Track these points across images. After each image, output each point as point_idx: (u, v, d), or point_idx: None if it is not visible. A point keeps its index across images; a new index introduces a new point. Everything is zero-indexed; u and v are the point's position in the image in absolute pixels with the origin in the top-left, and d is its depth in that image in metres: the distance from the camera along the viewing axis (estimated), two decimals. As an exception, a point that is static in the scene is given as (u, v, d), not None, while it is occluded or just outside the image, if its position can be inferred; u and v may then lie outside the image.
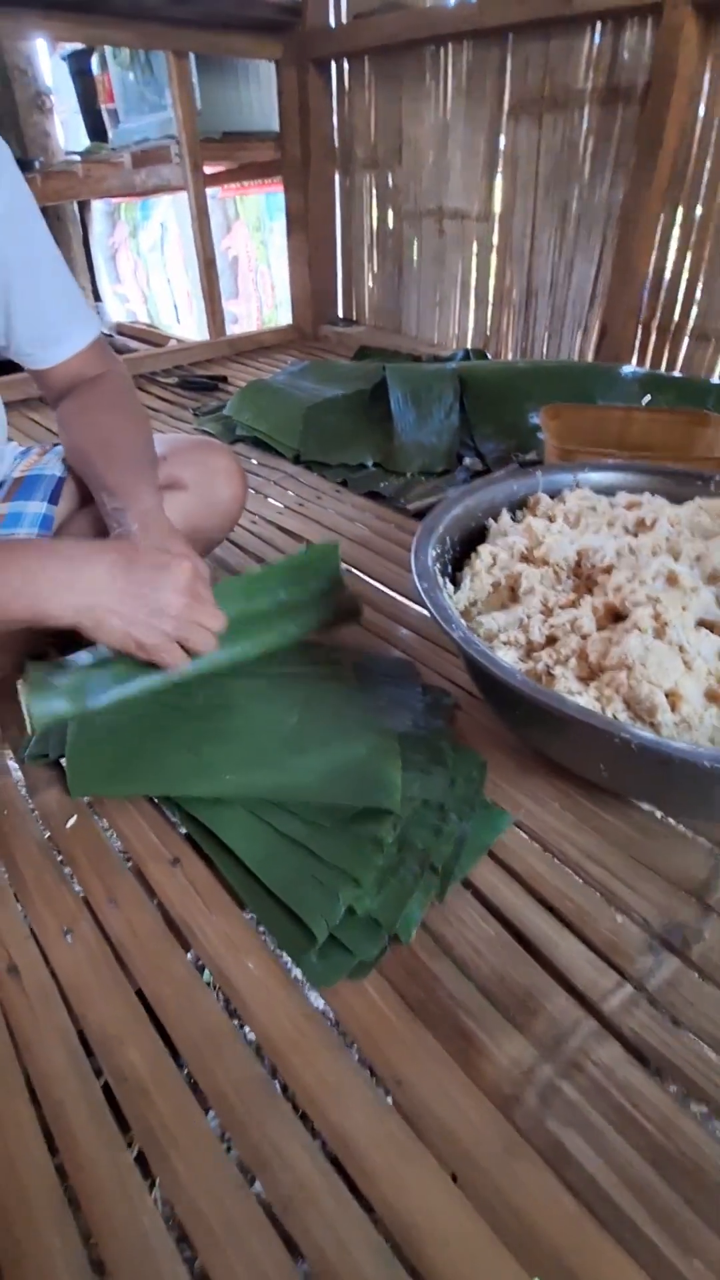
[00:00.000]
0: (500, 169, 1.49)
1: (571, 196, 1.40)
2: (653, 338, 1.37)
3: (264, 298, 2.67)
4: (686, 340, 1.33)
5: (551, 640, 0.60)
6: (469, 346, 1.69)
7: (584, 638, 0.58)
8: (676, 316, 1.32)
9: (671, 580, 0.59)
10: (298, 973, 0.47)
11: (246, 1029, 0.45)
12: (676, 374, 1.31)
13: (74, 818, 0.57)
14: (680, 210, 1.25)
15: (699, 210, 1.23)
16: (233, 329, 2.22)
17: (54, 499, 0.74)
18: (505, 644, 0.60)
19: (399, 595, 0.88)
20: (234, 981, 0.47)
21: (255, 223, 2.52)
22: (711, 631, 0.56)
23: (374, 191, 1.77)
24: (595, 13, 1.22)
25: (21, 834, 0.57)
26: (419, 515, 1.06)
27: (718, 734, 0.51)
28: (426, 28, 1.45)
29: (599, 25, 1.24)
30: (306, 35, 1.65)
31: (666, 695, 0.52)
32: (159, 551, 0.60)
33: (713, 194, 1.21)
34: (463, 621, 0.57)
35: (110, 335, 2.35)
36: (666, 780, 0.53)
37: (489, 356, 1.62)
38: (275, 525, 1.05)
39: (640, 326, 1.37)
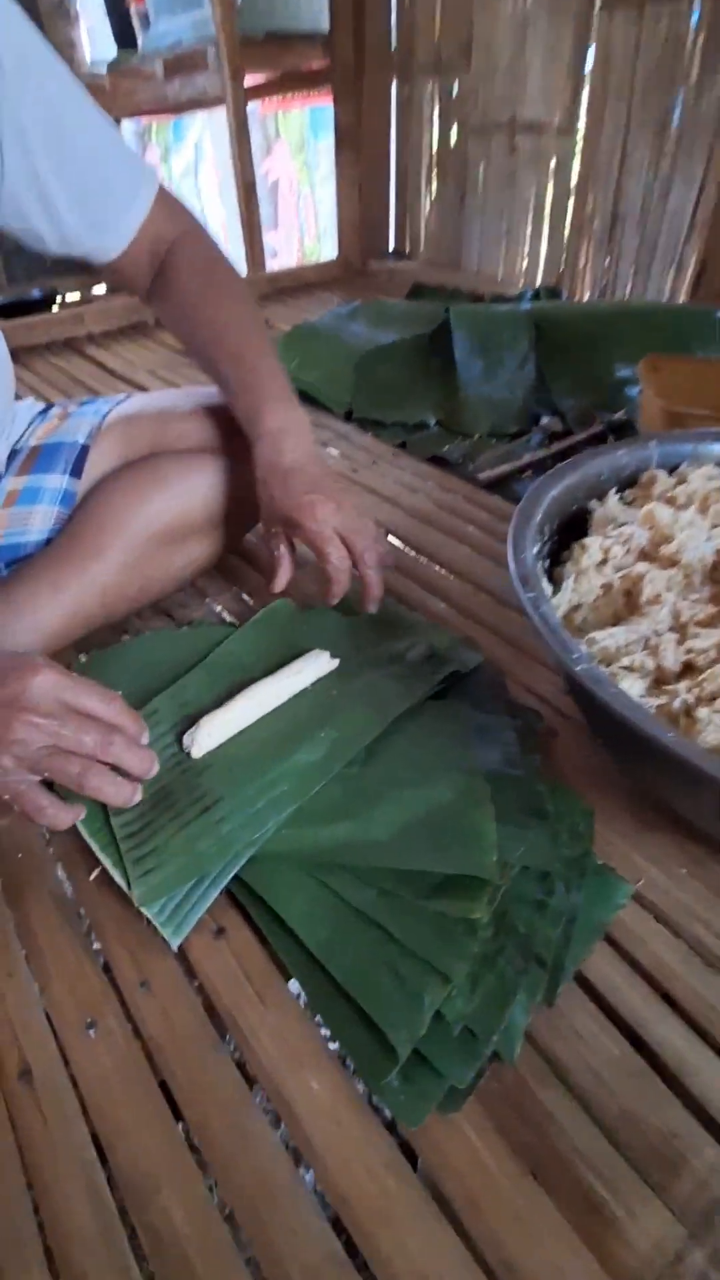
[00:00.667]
0: (588, 71, 1.28)
1: (674, 105, 1.19)
2: (762, 275, 1.18)
3: (306, 227, 2.46)
4: None
5: (689, 668, 0.47)
6: (539, 285, 1.50)
7: (735, 669, 0.45)
8: None
9: None
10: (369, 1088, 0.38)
11: (312, 1174, 0.36)
12: (790, 319, 1.12)
13: (98, 869, 0.48)
14: None
15: None
16: (271, 263, 2.04)
17: (76, 471, 0.63)
18: (627, 669, 0.48)
19: (471, 584, 0.75)
20: (295, 1107, 0.37)
21: (298, 143, 2.30)
22: None
23: (436, 102, 1.56)
24: None
25: (39, 888, 0.47)
26: (490, 486, 0.92)
27: None
28: None
29: None
30: None
31: None
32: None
33: None
34: (583, 647, 0.45)
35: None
36: None
37: (562, 296, 1.44)
38: (326, 495, 0.92)
39: (748, 262, 1.18)
